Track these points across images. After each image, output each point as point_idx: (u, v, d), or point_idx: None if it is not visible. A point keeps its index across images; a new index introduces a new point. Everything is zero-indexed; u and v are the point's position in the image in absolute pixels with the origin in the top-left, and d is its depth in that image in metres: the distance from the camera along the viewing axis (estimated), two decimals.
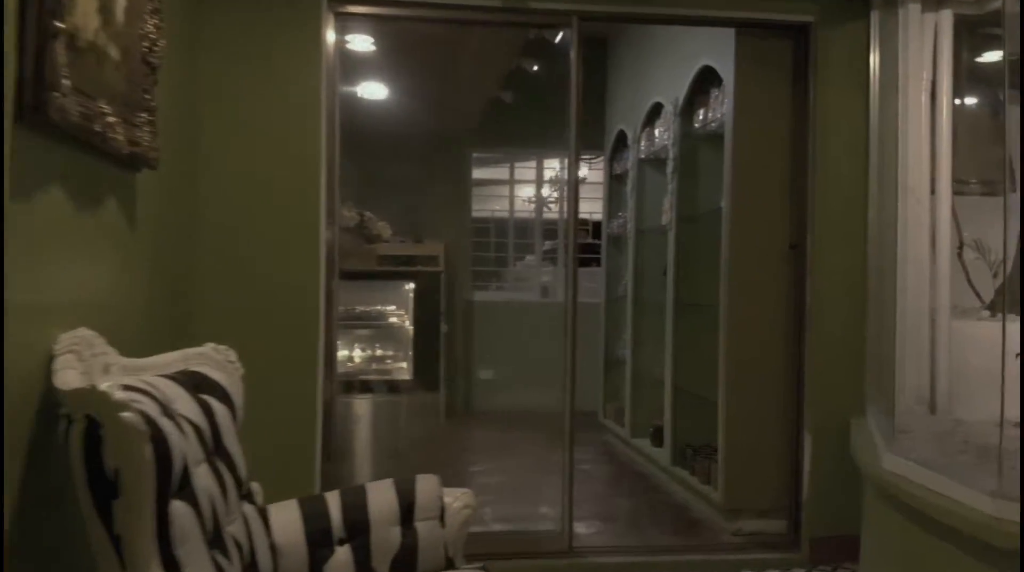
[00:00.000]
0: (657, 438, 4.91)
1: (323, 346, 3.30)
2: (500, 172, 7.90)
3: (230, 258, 3.19)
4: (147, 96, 2.22)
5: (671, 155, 4.60)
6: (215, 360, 2.21)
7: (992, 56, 4.77)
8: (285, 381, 3.18)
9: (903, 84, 3.63)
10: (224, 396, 2.10)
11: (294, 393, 3.21)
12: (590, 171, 7.36)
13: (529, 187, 7.81)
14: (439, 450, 5.47)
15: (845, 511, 3.36)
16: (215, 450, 1.92)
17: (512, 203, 7.77)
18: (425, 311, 3.65)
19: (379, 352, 3.92)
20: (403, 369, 3.76)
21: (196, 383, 1.96)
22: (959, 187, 3.74)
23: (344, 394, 3.74)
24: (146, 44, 2.20)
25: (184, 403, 1.79)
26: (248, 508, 2.02)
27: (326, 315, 3.33)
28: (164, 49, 2.29)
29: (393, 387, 3.73)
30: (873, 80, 3.63)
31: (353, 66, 4.71)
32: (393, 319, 3.84)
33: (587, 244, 7.22)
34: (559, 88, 3.72)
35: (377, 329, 3.82)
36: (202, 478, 1.72)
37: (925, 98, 3.65)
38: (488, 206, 7.74)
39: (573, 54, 3.59)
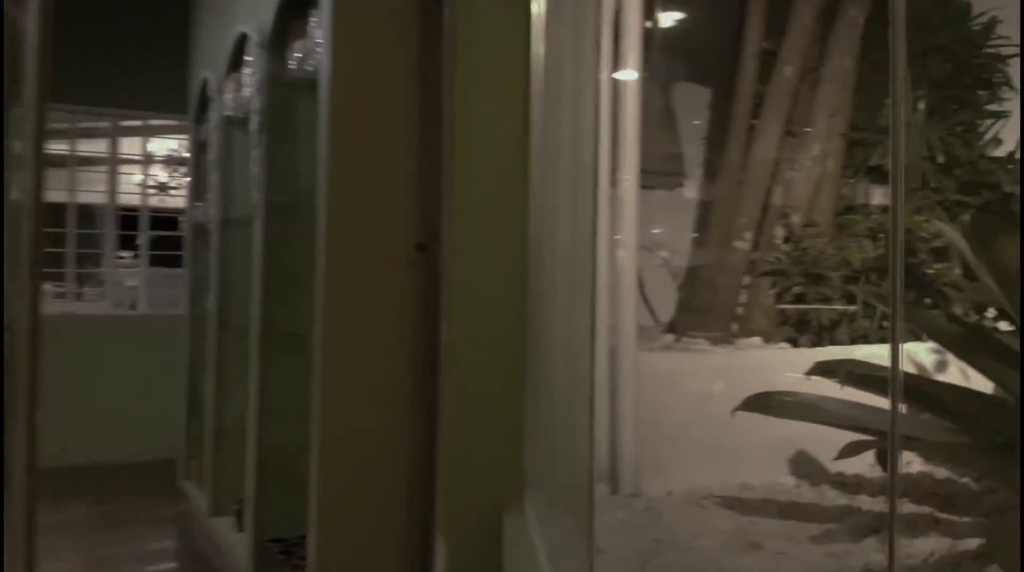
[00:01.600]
0: (241, 520, 3.40)
1: None
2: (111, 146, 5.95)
3: None
4: None
5: (255, 107, 3.11)
6: None
7: (670, 18, 3.91)
8: None
9: (576, 13, 2.53)
10: None
11: None
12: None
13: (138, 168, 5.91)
14: None
15: None
16: None
17: (114, 186, 5.82)
18: None
19: None
20: None
21: None
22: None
23: None
24: None
25: None
26: None
27: None
28: None
29: None
30: (538, 2, 2.47)
31: None
32: None
33: (175, 237, 5.51)
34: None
35: None
36: None
37: (607, 42, 2.57)
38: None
39: None
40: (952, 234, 2.49)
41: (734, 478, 2.56)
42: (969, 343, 2.10)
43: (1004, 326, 2.90)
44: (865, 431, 2.18)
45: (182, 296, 4.74)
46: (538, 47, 2.47)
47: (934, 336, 2.34)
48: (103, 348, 5.35)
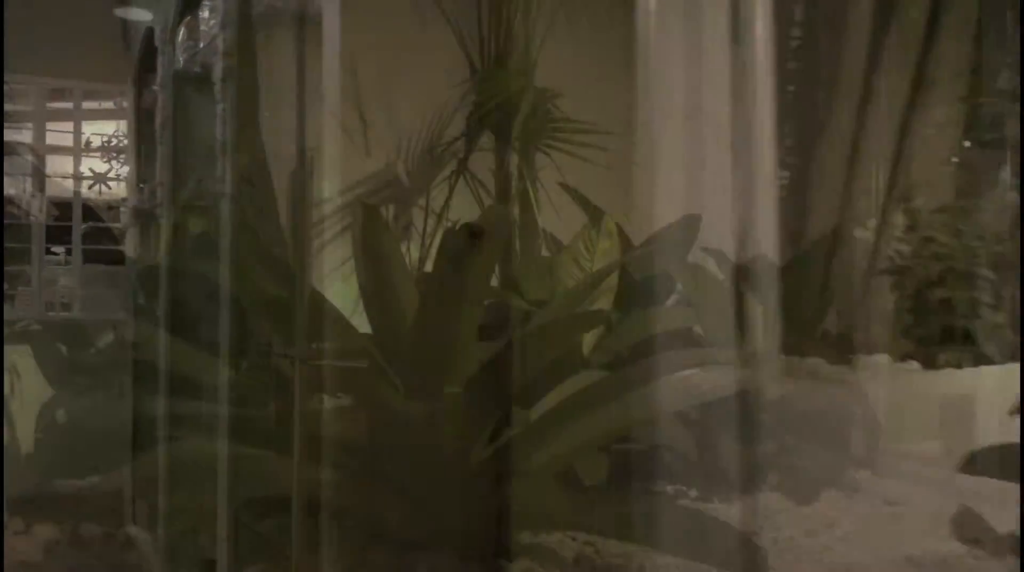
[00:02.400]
0: None
1: None
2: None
3: None
4: None
5: (220, 49, 2.35)
6: None
7: None
8: None
9: None
10: None
11: None
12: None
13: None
14: None
15: None
16: None
17: (43, 173, 5.00)
18: None
19: None
20: None
21: None
22: None
23: None
24: None
25: None
26: None
27: None
28: None
29: None
30: None
31: None
32: None
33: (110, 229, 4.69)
34: None
35: None
36: None
37: None
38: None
39: None
40: None
41: (888, 546, 1.92)
42: None
43: None
44: None
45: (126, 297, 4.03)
46: None
47: None
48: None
